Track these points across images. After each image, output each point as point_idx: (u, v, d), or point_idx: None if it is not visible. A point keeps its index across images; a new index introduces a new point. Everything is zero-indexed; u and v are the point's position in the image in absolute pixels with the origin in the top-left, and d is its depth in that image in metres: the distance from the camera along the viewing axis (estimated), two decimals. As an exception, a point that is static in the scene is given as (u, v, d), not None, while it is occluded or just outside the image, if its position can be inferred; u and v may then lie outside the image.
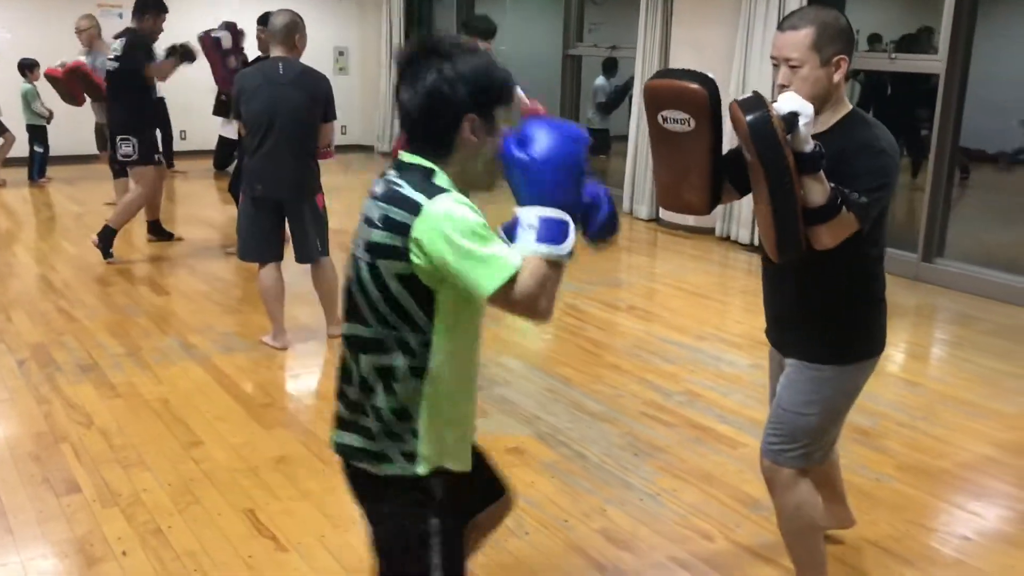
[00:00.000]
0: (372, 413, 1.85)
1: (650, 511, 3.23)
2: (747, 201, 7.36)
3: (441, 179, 1.79)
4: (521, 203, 1.76)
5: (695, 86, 2.27)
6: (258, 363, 4.59)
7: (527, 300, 1.70)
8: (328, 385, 4.32)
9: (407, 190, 1.76)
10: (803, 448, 2.44)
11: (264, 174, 4.52)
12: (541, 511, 3.20)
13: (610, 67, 12.31)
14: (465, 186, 1.83)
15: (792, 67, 2.23)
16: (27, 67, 9.16)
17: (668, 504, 3.28)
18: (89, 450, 3.58)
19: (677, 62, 7.69)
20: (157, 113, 6.26)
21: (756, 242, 7.18)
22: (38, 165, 9.48)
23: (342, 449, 1.93)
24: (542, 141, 1.74)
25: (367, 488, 1.93)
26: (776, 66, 2.28)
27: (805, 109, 2.09)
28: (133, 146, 6.34)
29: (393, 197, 1.77)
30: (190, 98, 9.89)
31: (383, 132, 11.92)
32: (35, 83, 9.10)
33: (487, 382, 4.37)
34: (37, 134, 9.38)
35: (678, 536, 3.07)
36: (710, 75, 2.30)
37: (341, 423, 1.94)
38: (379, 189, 1.83)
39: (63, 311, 5.28)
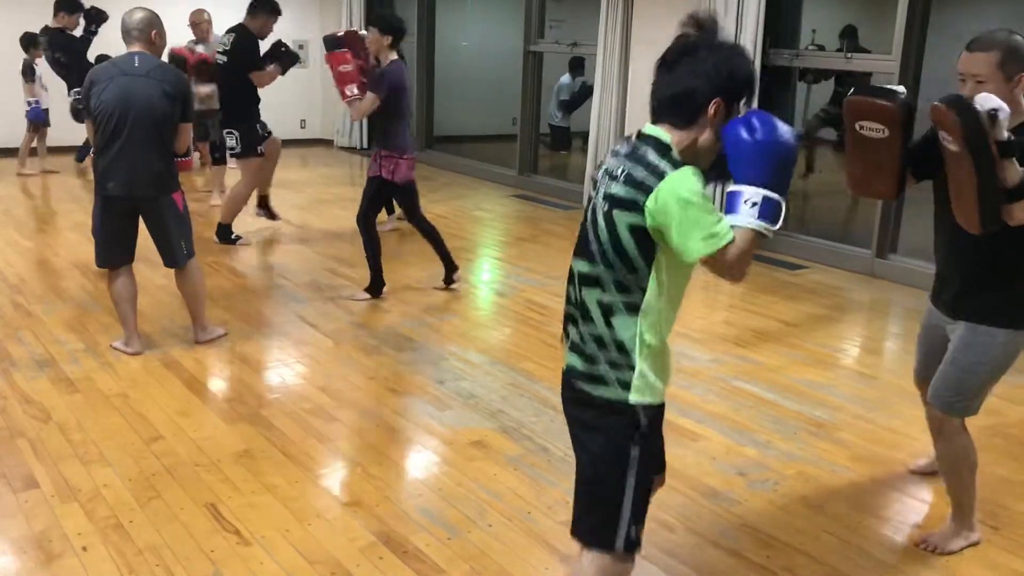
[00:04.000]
0: (593, 341, 2.10)
1: (612, 503, 3.26)
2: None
3: (675, 153, 2.01)
4: (740, 180, 2.00)
5: (889, 104, 2.70)
6: (219, 357, 4.56)
7: (732, 267, 1.98)
8: (291, 380, 4.33)
9: (652, 156, 2.00)
10: (969, 400, 2.89)
11: (117, 171, 4.26)
12: (505, 503, 3.23)
13: (576, 66, 12.39)
14: (688, 161, 2.01)
15: (979, 83, 2.60)
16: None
17: (630, 496, 3.32)
18: (47, 445, 3.54)
19: (637, 61, 7.76)
20: None
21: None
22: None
23: (568, 369, 2.19)
24: (769, 130, 1.98)
25: (580, 408, 2.18)
26: (963, 82, 2.65)
27: (1003, 106, 2.47)
28: (236, 139, 6.69)
29: (639, 159, 2.01)
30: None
31: (343, 126, 11.86)
32: None
33: (450, 376, 4.39)
34: None
35: (640, 527, 3.11)
36: (900, 89, 2.73)
37: (571, 345, 2.19)
38: (624, 149, 2.08)
39: (19, 306, 5.20)
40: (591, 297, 2.09)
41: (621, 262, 2.03)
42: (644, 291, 2.04)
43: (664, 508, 3.23)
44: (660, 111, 2.06)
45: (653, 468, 2.22)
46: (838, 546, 3.06)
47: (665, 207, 1.93)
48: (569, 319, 2.19)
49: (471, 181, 9.87)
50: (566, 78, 12.38)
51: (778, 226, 1.99)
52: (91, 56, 8.09)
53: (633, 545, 2.15)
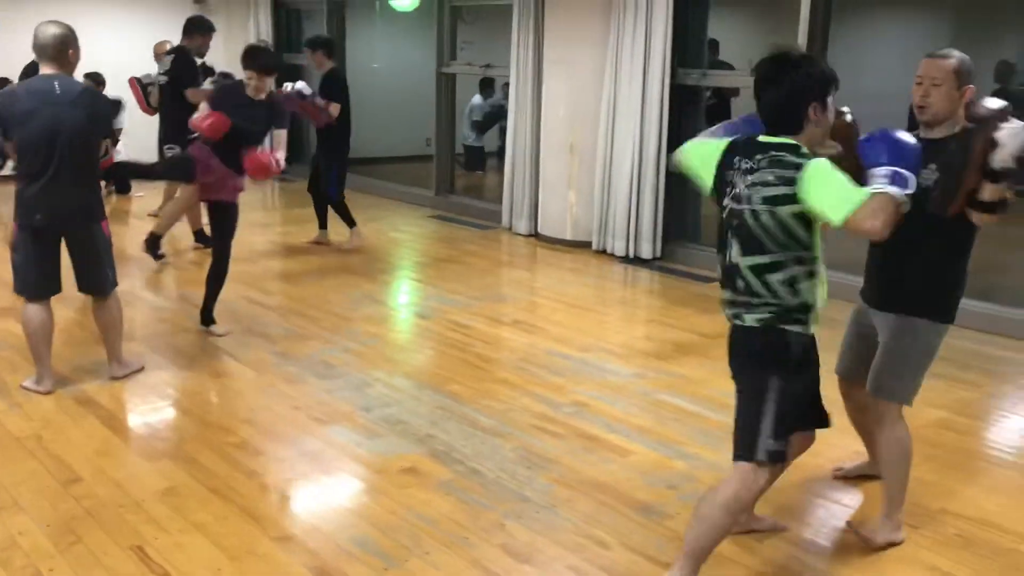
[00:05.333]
0: (781, 307, 2.63)
1: (547, 523, 3.28)
2: (621, 214, 7.49)
3: (803, 149, 2.54)
4: (871, 166, 2.53)
5: (844, 122, 2.98)
6: (137, 392, 4.43)
7: (862, 223, 2.42)
8: (214, 413, 4.22)
9: (790, 158, 2.52)
10: (904, 387, 3.15)
11: (46, 202, 4.11)
12: (440, 530, 3.21)
13: (487, 86, 12.48)
14: (810, 148, 2.57)
15: (935, 85, 2.97)
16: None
17: (564, 514, 3.34)
18: (-44, 494, 3.38)
19: (550, 81, 7.85)
20: None
21: (631, 254, 7.39)
22: None
23: (763, 321, 2.67)
24: (894, 140, 2.57)
25: (767, 347, 2.69)
26: (919, 83, 3.00)
27: (1014, 146, 2.75)
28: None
29: (780, 162, 2.53)
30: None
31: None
32: None
33: (377, 403, 4.35)
34: None
35: (576, 545, 3.14)
36: (845, 110, 2.97)
37: (753, 307, 2.67)
38: (760, 164, 2.56)
39: (-83, 347, 4.96)
40: (775, 279, 2.61)
41: (795, 242, 2.56)
42: (814, 259, 2.61)
43: (597, 525, 3.26)
44: (774, 125, 2.61)
45: (798, 398, 2.78)
46: (770, 553, 3.13)
47: (808, 189, 2.47)
48: (736, 301, 2.71)
49: (387, 203, 9.82)
50: (477, 98, 12.46)
51: (908, 191, 2.49)
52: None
53: (773, 456, 2.71)
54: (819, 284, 2.67)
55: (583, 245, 7.76)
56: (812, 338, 2.74)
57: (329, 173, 7.38)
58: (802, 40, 6.42)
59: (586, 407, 4.35)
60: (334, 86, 7.23)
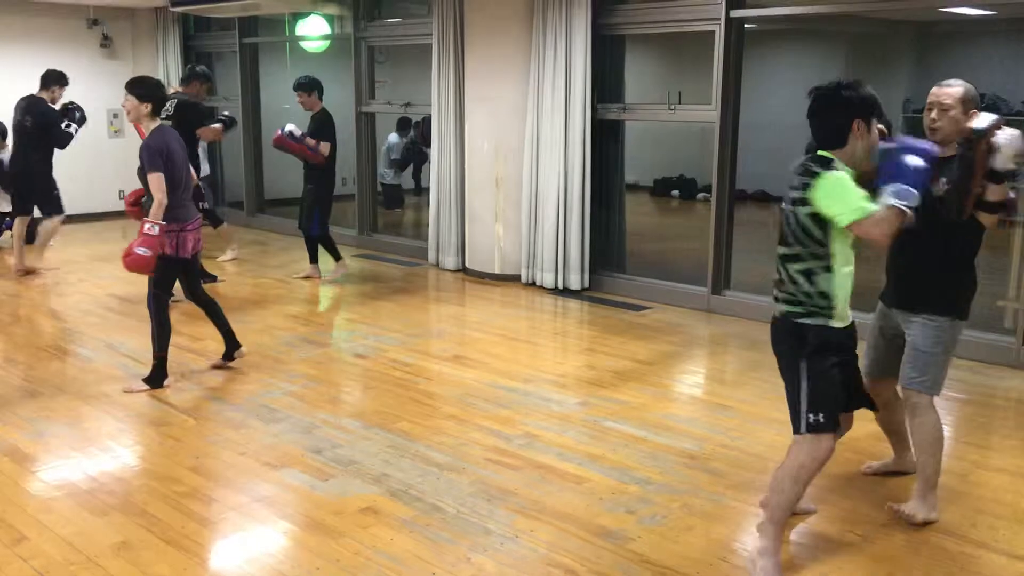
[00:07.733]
0: (802, 295, 3.09)
1: (513, 554, 3.29)
2: (549, 246, 7.55)
3: (838, 164, 3.00)
4: (883, 183, 3.00)
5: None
6: (73, 446, 4.28)
7: (869, 230, 2.93)
8: (158, 463, 4.10)
9: (815, 167, 3.01)
10: (932, 378, 3.52)
11: None
12: (408, 567, 3.19)
13: (403, 125, 12.53)
14: (851, 167, 3.03)
15: (943, 110, 3.39)
16: None
17: (529, 544, 3.36)
18: None
19: (473, 117, 7.94)
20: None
21: (560, 286, 7.49)
22: None
23: (785, 313, 3.15)
24: (909, 153, 3.01)
25: (793, 336, 3.13)
26: (930, 109, 3.44)
27: (1012, 147, 3.22)
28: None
29: (807, 170, 3.02)
30: None
31: (167, 195, 11.42)
32: None
33: (326, 444, 4.30)
34: None
35: (545, 575, 3.16)
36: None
37: (780, 299, 3.17)
38: (797, 170, 3.06)
39: None
40: (794, 269, 3.08)
41: (809, 239, 3.03)
42: (829, 256, 3.02)
43: (564, 552, 3.30)
44: (824, 140, 3.07)
45: (833, 372, 3.11)
46: (730, 571, 3.20)
47: (817, 196, 2.96)
48: (779, 287, 3.16)
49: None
50: (394, 137, 12.49)
51: (914, 204, 2.94)
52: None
53: (814, 427, 3.10)
54: (837, 278, 3.04)
55: (512, 278, 7.83)
56: (836, 330, 3.08)
57: (312, 210, 7.70)
58: (717, 78, 6.67)
59: (537, 438, 4.39)
60: (325, 126, 7.56)
